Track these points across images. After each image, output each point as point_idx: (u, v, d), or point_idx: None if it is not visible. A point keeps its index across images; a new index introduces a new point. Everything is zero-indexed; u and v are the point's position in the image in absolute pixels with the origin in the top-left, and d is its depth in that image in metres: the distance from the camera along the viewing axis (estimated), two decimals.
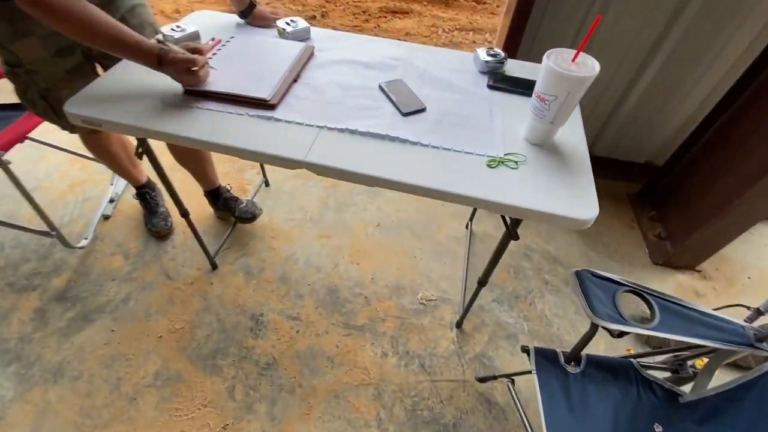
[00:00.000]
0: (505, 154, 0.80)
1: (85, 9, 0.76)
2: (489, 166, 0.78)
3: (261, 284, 1.40)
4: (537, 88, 0.76)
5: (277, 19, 1.10)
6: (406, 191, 0.76)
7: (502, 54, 1.02)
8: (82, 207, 1.60)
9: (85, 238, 1.46)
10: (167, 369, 1.19)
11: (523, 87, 0.96)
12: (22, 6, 0.72)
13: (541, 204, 0.71)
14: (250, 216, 1.46)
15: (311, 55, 1.02)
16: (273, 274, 1.42)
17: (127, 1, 1.03)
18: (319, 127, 0.83)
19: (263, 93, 0.86)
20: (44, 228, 1.32)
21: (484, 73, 1.02)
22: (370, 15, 3.49)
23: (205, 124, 0.82)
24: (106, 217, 1.57)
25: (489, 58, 1.01)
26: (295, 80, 0.94)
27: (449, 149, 0.81)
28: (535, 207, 0.71)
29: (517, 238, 0.85)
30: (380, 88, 0.94)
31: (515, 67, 1.06)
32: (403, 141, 0.82)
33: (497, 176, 0.76)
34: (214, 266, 1.43)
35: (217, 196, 1.49)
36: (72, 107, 0.84)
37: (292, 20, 1.07)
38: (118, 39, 0.79)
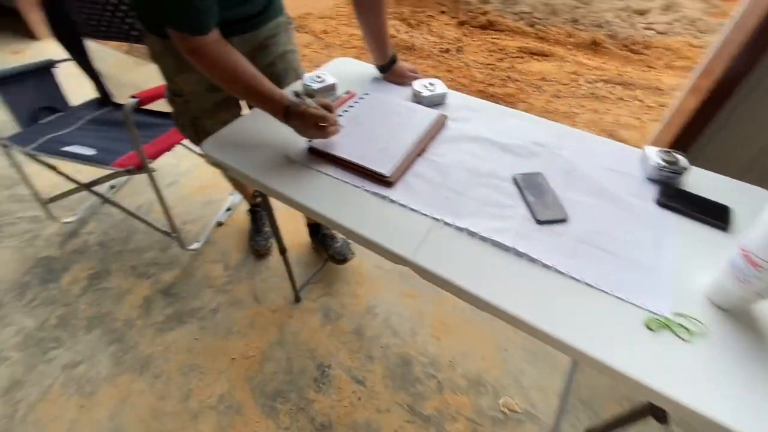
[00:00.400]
0: (675, 314, 0.59)
1: (232, 59, 0.80)
2: (648, 326, 0.58)
3: (335, 332, 1.35)
4: (749, 244, 0.54)
5: (416, 78, 1.04)
6: (524, 330, 0.61)
7: (683, 160, 0.80)
8: (204, 209, 1.76)
9: (198, 242, 1.60)
10: (231, 396, 1.20)
11: (710, 214, 0.73)
12: (181, 51, 0.78)
13: (719, 410, 0.50)
14: (341, 259, 1.43)
15: (443, 124, 0.93)
16: (349, 324, 1.37)
17: (281, 46, 1.07)
18: (434, 219, 0.73)
19: (384, 168, 0.79)
20: (168, 228, 1.47)
21: (653, 180, 0.81)
22: (506, 54, 3.33)
23: (321, 191, 0.78)
24: (219, 224, 1.70)
25: (662, 163, 0.80)
26: (419, 154, 0.86)
27: (592, 286, 0.63)
28: (707, 412, 0.50)
29: (666, 422, 0.63)
30: (514, 180, 0.80)
31: (694, 176, 0.82)
32: (533, 260, 0.67)
33: (657, 345, 0.56)
34: (298, 299, 1.43)
35: (316, 231, 1.50)
36: (207, 148, 0.88)
37: (430, 83, 1.00)
38: (254, 89, 0.82)
